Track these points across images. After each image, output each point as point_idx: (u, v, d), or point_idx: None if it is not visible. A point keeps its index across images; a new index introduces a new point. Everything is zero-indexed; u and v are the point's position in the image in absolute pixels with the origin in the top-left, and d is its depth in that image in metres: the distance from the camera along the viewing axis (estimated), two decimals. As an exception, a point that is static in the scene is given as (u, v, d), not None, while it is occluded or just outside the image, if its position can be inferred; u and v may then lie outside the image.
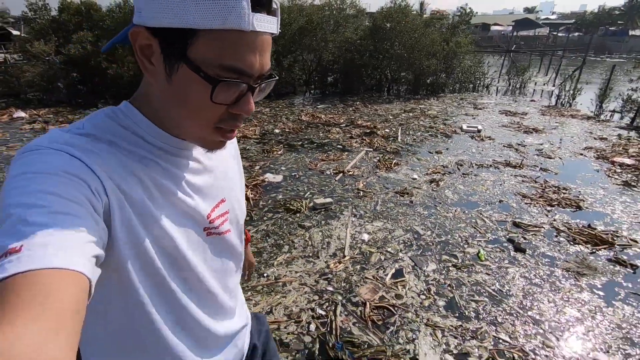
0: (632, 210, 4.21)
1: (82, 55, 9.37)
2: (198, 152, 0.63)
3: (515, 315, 2.57)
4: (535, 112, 9.43)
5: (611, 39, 40.66)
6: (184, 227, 0.58)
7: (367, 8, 13.10)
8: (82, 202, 0.43)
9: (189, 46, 0.47)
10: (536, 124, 8.09)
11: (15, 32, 13.92)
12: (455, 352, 2.24)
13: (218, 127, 0.54)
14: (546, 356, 2.23)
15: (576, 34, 44.64)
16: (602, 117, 9.13)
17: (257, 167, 5.22)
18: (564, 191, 4.64)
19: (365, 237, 3.50)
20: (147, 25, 0.47)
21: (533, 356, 2.22)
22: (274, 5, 0.50)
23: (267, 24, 0.49)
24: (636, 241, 3.55)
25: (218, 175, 0.67)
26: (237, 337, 0.77)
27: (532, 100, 11.08)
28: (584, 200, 4.40)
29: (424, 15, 14.00)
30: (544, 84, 14.40)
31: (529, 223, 3.84)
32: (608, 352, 2.29)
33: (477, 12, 57.58)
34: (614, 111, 9.30)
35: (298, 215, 3.88)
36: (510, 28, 47.33)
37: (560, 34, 44.69)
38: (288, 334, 2.34)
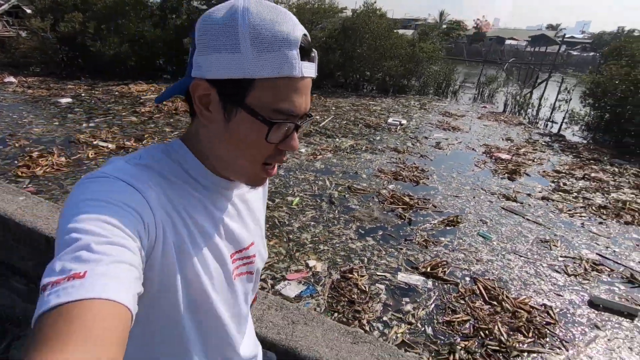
0: (459, 184, 4.92)
1: (70, 33, 10.54)
2: (236, 193, 0.67)
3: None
4: (475, 116, 10.05)
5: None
6: (216, 269, 0.60)
7: (346, 11, 13.86)
8: (135, 237, 0.46)
9: (247, 93, 0.52)
10: (462, 124, 8.75)
11: (28, 10, 15.32)
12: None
13: (265, 162, 0.58)
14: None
15: (591, 53, 44.08)
16: (537, 124, 9.69)
17: (175, 133, 6.12)
18: (419, 172, 5.37)
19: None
20: (206, 77, 0.52)
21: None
22: (313, 54, 0.55)
23: (311, 71, 0.55)
24: (435, 206, 4.29)
25: (251, 219, 0.70)
26: None
27: (483, 107, 11.66)
28: (427, 179, 5.14)
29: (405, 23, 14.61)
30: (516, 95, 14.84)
31: (361, 187, 4.62)
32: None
33: (492, 25, 57.23)
34: (550, 121, 9.84)
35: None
36: (525, 43, 47.12)
37: (574, 52, 44.24)
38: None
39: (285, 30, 0.51)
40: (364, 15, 11.98)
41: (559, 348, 2.43)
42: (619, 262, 3.50)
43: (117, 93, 9.27)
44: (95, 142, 5.47)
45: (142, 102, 8.33)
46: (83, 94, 8.92)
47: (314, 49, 0.56)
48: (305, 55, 0.53)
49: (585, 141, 8.56)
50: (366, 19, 11.79)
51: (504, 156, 6.38)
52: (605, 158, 7.06)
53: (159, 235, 0.51)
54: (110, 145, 5.40)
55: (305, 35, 0.53)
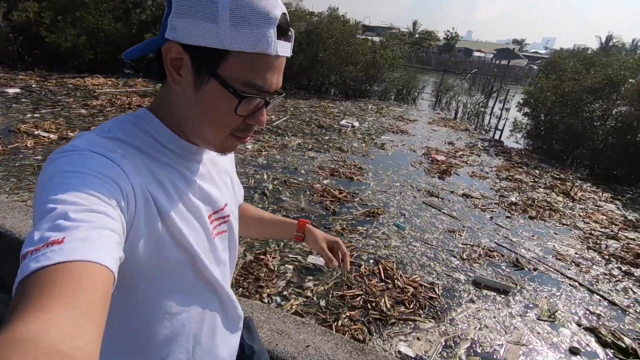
0: (391, 180, 5.32)
1: (24, 23, 10.26)
2: (206, 157, 0.68)
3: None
4: (426, 121, 10.63)
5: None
6: (197, 228, 0.62)
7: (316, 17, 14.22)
8: (114, 204, 0.46)
9: (220, 64, 0.53)
10: (411, 128, 9.26)
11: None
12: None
13: (232, 134, 0.60)
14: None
15: (550, 68, 47.11)
16: (482, 131, 10.39)
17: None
18: (356, 169, 5.73)
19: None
20: (181, 42, 0.52)
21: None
22: (290, 33, 0.57)
23: (286, 49, 0.56)
24: (362, 200, 4.64)
25: (222, 181, 0.72)
26: (232, 344, 0.78)
27: (437, 113, 12.32)
28: (362, 176, 5.50)
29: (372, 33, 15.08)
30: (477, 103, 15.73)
31: (297, 182, 4.91)
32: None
33: (462, 37, 59.84)
34: (495, 128, 10.57)
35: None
36: (491, 55, 49.54)
37: (535, 67, 47.07)
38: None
39: (265, 7, 0.51)
40: (327, 21, 12.36)
41: (433, 317, 2.79)
42: (511, 249, 3.97)
43: (71, 85, 9.13)
44: (36, 132, 5.46)
45: (95, 96, 8.27)
46: (34, 85, 8.73)
47: (291, 29, 0.57)
48: (282, 34, 0.54)
49: (521, 147, 9.30)
50: (328, 25, 12.17)
51: (440, 158, 6.87)
52: (533, 162, 7.73)
53: (139, 203, 0.52)
54: (52, 136, 5.41)
55: (284, 14, 0.54)
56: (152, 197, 0.55)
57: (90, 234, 0.40)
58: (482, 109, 12.03)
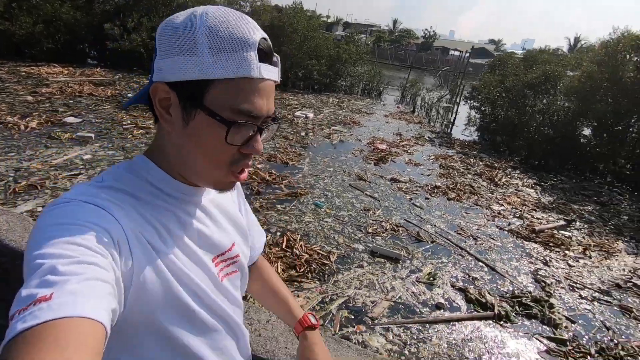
0: (326, 166, 5.61)
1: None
2: (207, 197, 0.66)
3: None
4: (382, 114, 11.01)
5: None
6: (198, 274, 0.60)
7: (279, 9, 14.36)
8: (106, 253, 0.45)
9: (205, 94, 0.52)
10: (365, 120, 9.60)
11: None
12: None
13: (230, 168, 0.58)
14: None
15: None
16: (431, 123, 10.85)
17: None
18: (295, 155, 6.00)
19: (85, 156, 4.64)
20: (166, 80, 0.53)
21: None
22: (275, 59, 0.57)
23: (271, 73, 0.55)
24: (290, 182, 4.91)
25: (228, 221, 0.70)
26: None
27: (397, 107, 12.74)
28: (299, 161, 5.77)
29: (321, 20, 15.27)
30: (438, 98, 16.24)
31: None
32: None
33: (439, 36, 60.93)
34: (449, 121, 11.04)
35: (52, 140, 4.97)
36: (468, 54, 50.72)
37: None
38: None
39: (243, 32, 0.52)
40: (290, 15, 12.55)
41: (319, 279, 3.08)
42: (417, 225, 4.32)
43: (23, 73, 9.04)
44: (-27, 117, 5.49)
45: (46, 84, 8.25)
46: (-17, 73, 8.62)
47: (276, 55, 0.57)
48: (265, 57, 0.54)
49: (469, 139, 9.78)
50: (291, 19, 12.36)
51: (382, 147, 7.22)
52: (473, 152, 8.19)
53: (134, 247, 0.51)
54: (-11, 120, 5.46)
55: (264, 39, 0.54)
56: (147, 240, 0.53)
57: (80, 286, 0.39)
58: (445, 104, 12.49)
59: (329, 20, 73.52)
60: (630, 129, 7.90)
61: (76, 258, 0.42)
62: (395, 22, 64.17)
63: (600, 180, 7.76)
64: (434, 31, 53.05)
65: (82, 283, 0.40)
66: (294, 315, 0.87)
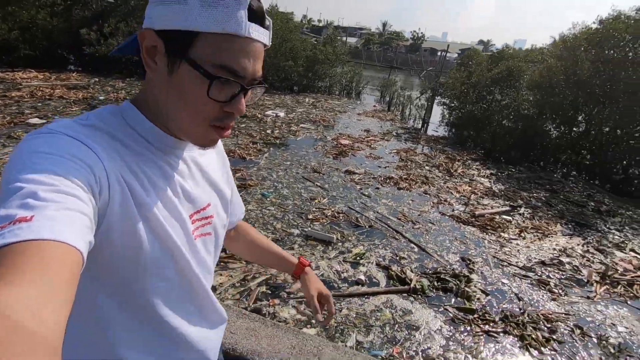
0: (283, 159, 5.79)
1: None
2: (189, 154, 0.66)
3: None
4: (356, 112, 11.22)
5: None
6: (176, 227, 0.59)
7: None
8: (86, 187, 0.45)
9: (191, 46, 0.52)
10: (336, 119, 9.81)
11: None
12: None
13: (212, 124, 0.57)
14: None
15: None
16: (404, 121, 11.08)
17: (32, 114, 6.39)
18: (255, 151, 6.16)
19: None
20: (154, 28, 0.53)
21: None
22: (267, 22, 0.56)
23: (261, 35, 0.55)
24: (242, 175, 5.07)
25: (206, 181, 0.69)
26: (212, 339, 0.75)
27: (374, 106, 12.97)
28: (257, 156, 5.94)
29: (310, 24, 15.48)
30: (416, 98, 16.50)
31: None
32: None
33: (427, 38, 61.62)
34: (421, 118, 11.27)
35: (10, 139, 5.11)
36: (456, 55, 51.33)
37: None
38: None
39: None
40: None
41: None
42: (359, 212, 4.49)
43: (-3, 79, 9.18)
44: (-63, 119, 5.62)
45: (19, 88, 8.39)
46: (-43, 78, 8.76)
47: (268, 18, 0.57)
48: (255, 17, 0.53)
49: (438, 134, 10.00)
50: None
51: (345, 142, 7.41)
52: (438, 146, 8.40)
53: (114, 189, 0.50)
54: (-49, 122, 5.59)
55: (258, 0, 0.55)
56: (127, 184, 0.53)
57: (60, 214, 0.39)
58: (421, 102, 12.71)
59: (320, 25, 74.18)
60: (587, 121, 8.14)
61: (57, 187, 0.41)
62: (384, 24, 64.83)
63: (562, 170, 7.99)
64: (422, 33, 53.69)
65: (61, 211, 0.40)
66: (291, 261, 0.97)
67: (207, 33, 0.51)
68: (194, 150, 0.66)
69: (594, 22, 8.13)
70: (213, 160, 0.74)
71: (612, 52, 7.41)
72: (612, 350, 2.77)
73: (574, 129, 8.31)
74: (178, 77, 0.54)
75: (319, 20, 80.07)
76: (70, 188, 0.43)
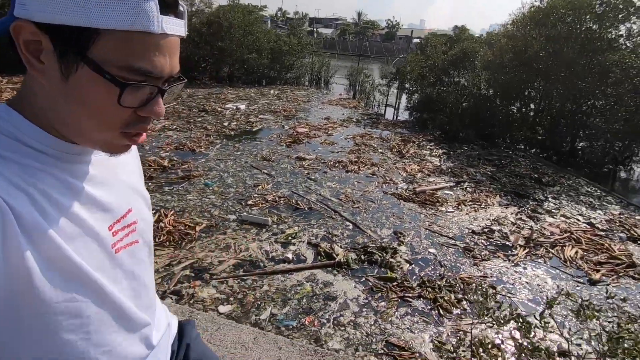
0: (234, 150, 5.82)
1: None
2: (96, 158, 0.56)
3: None
4: (320, 101, 11.28)
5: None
6: (88, 246, 0.51)
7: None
8: None
9: (91, 46, 0.43)
10: (298, 108, 9.84)
11: None
12: None
13: (124, 131, 0.49)
14: None
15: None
16: (369, 107, 11.21)
17: None
18: (206, 144, 6.16)
19: None
20: (33, 20, 0.42)
21: None
22: (181, 8, 0.48)
23: (176, 27, 0.47)
24: (188, 167, 5.08)
25: (125, 183, 0.61)
26: (156, 350, 0.68)
27: (340, 94, 13.05)
28: (208, 148, 5.95)
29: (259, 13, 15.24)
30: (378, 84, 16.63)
31: (130, 156, 5.26)
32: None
33: (402, 25, 61.93)
34: (386, 104, 11.41)
35: None
36: (410, 39, 51.82)
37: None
38: None
39: None
40: (225, 10, 12.63)
41: (174, 247, 3.29)
42: (302, 195, 4.57)
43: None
44: None
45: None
46: None
47: (182, 4, 0.49)
48: (167, 8, 0.46)
49: (400, 118, 10.16)
50: (226, 15, 12.43)
51: (301, 130, 7.47)
52: (398, 130, 8.54)
53: None
54: None
55: None
56: (12, 210, 0.43)
57: None
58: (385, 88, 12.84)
59: (296, 17, 73.45)
60: (539, 98, 8.41)
61: None
62: (359, 14, 64.62)
63: (515, 147, 8.24)
64: (396, 21, 53.84)
65: None
66: None
67: (110, 30, 0.43)
68: (99, 152, 0.55)
69: (540, 0, 8.37)
70: (127, 161, 0.64)
71: (555, 28, 7.65)
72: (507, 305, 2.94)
73: (530, 106, 8.58)
74: (76, 81, 0.45)
75: (296, 13, 79.30)
76: None
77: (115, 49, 0.44)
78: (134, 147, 0.64)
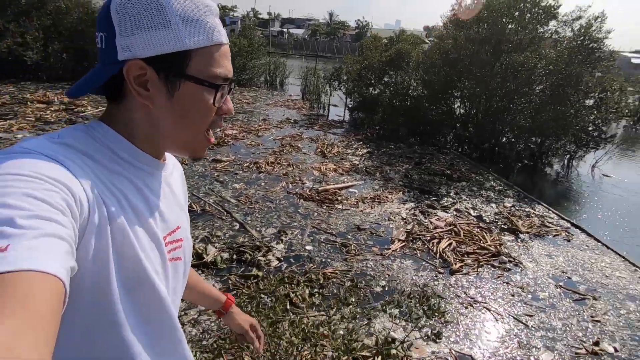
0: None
1: None
2: (164, 174, 0.66)
3: None
4: (265, 102, 11.35)
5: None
6: (152, 249, 0.58)
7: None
8: (65, 210, 0.43)
9: (187, 64, 0.55)
10: (239, 110, 9.88)
11: None
12: None
13: (208, 132, 0.62)
14: None
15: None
16: (313, 108, 11.37)
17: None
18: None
19: None
20: (140, 57, 0.53)
21: None
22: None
23: (226, 35, 0.61)
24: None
25: (177, 201, 0.69)
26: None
27: (290, 95, 13.17)
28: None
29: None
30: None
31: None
32: None
33: (372, 26, 62.91)
34: (332, 105, 11.59)
35: None
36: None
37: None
38: None
39: (203, 1, 0.57)
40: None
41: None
42: (200, 198, 4.63)
43: None
44: None
45: None
46: None
47: None
48: (221, 21, 0.60)
49: (339, 118, 10.36)
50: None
51: (230, 132, 7.51)
52: (331, 130, 8.71)
53: (92, 209, 0.48)
54: None
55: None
56: (107, 205, 0.51)
57: (38, 241, 0.37)
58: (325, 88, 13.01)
59: (267, 17, 73.17)
60: (466, 97, 8.77)
61: (35, 212, 0.40)
62: (331, 14, 65.11)
63: (446, 145, 8.57)
64: (366, 21, 54.55)
65: (40, 239, 0.38)
66: (219, 298, 1.01)
67: (197, 49, 0.56)
68: (166, 169, 0.67)
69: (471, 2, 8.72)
70: (178, 182, 0.74)
71: (473, 29, 8.00)
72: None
73: (456, 104, 8.93)
74: (180, 96, 0.57)
75: (269, 14, 78.94)
76: (49, 212, 0.41)
77: (204, 62, 0.57)
78: (182, 172, 0.78)
